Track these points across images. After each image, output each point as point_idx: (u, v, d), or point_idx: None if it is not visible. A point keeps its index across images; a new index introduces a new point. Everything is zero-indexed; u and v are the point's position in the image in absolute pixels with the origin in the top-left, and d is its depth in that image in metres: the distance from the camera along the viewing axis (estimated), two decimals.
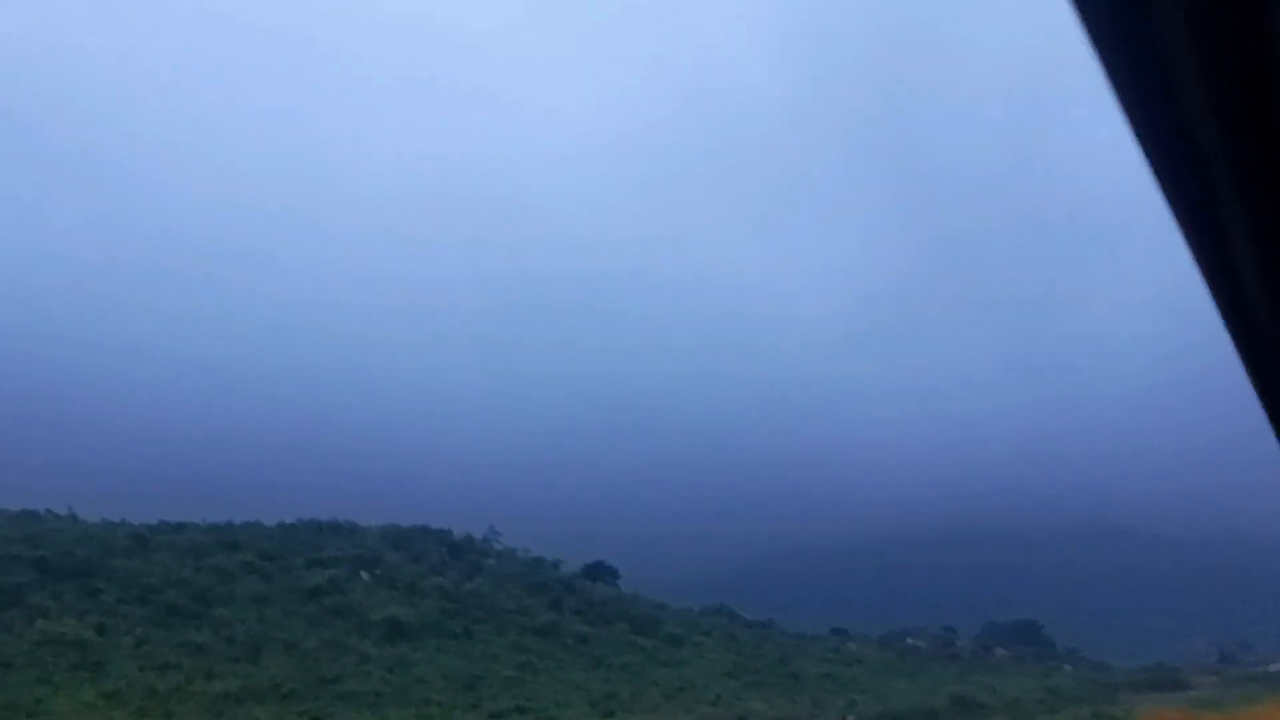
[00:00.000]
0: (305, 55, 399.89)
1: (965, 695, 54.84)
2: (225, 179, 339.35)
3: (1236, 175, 1.28)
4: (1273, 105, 1.17)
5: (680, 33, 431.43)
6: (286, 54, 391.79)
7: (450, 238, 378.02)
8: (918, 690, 64.51)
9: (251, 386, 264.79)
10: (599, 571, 74.53)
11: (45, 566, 51.64)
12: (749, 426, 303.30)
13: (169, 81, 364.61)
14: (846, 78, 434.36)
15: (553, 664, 59.21)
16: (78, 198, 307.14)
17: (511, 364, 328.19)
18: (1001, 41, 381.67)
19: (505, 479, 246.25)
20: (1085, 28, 1.11)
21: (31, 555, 52.17)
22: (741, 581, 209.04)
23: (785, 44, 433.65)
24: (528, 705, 47.94)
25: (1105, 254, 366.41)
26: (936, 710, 51.58)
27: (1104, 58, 1.17)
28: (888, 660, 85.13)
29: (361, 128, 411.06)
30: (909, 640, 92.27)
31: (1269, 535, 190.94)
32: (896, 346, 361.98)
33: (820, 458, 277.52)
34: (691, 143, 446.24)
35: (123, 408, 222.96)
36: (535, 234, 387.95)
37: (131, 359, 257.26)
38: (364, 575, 63.19)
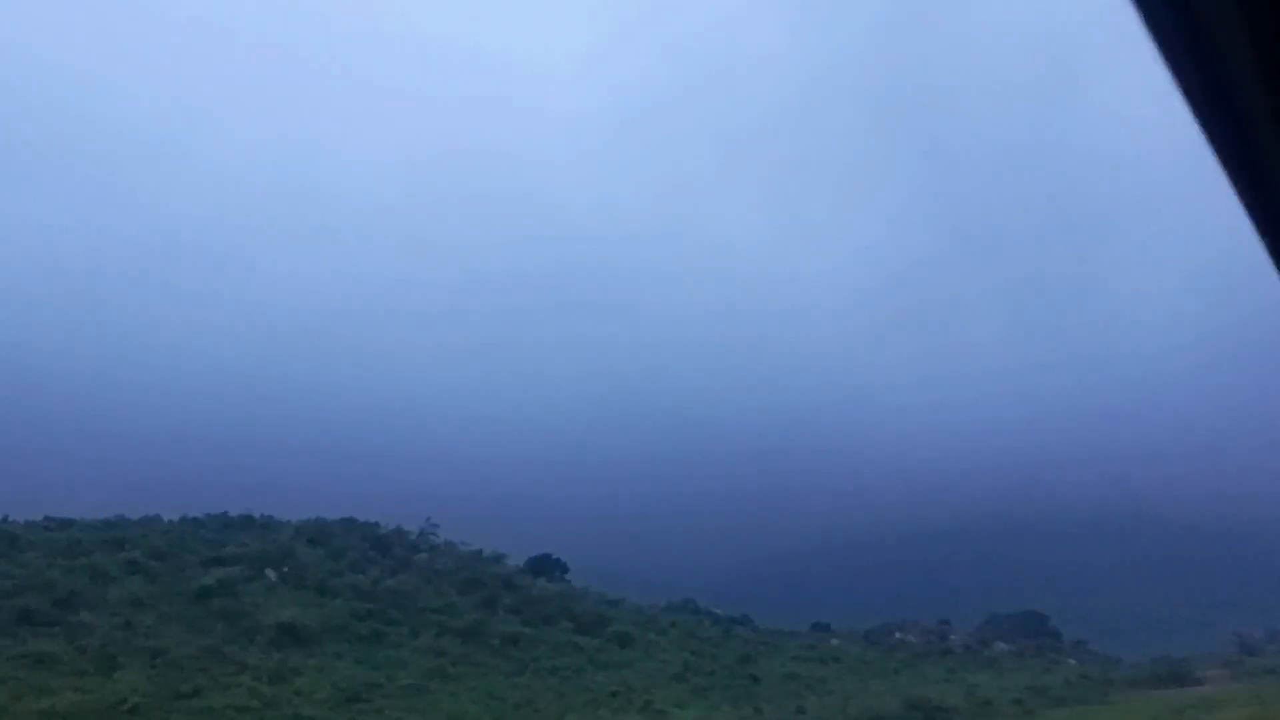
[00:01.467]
0: (304, 59, 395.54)
1: (925, 698, 48.08)
2: (220, 183, 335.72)
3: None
4: None
5: (690, 3, 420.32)
6: (286, 59, 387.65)
7: (457, 239, 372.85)
8: (885, 690, 57.77)
9: (245, 390, 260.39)
10: (545, 565, 68.29)
11: None
12: (766, 421, 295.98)
13: (158, 81, 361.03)
14: (866, 46, 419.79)
15: (471, 669, 52.97)
16: (59, 199, 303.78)
17: (520, 365, 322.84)
18: (1029, 4, 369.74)
19: (513, 482, 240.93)
20: None
21: None
22: (758, 578, 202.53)
23: (802, 8, 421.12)
24: (410, 719, 41.59)
25: (1136, 229, 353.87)
26: (885, 717, 44.82)
27: (1148, 19, 1.18)
28: (871, 657, 78.40)
29: (362, 130, 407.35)
30: (898, 635, 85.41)
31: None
32: (919, 334, 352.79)
33: (840, 451, 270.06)
34: (704, 124, 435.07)
35: (109, 408, 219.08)
36: (542, 230, 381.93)
37: (117, 361, 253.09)
38: (270, 574, 57.26)
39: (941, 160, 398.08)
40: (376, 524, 67.04)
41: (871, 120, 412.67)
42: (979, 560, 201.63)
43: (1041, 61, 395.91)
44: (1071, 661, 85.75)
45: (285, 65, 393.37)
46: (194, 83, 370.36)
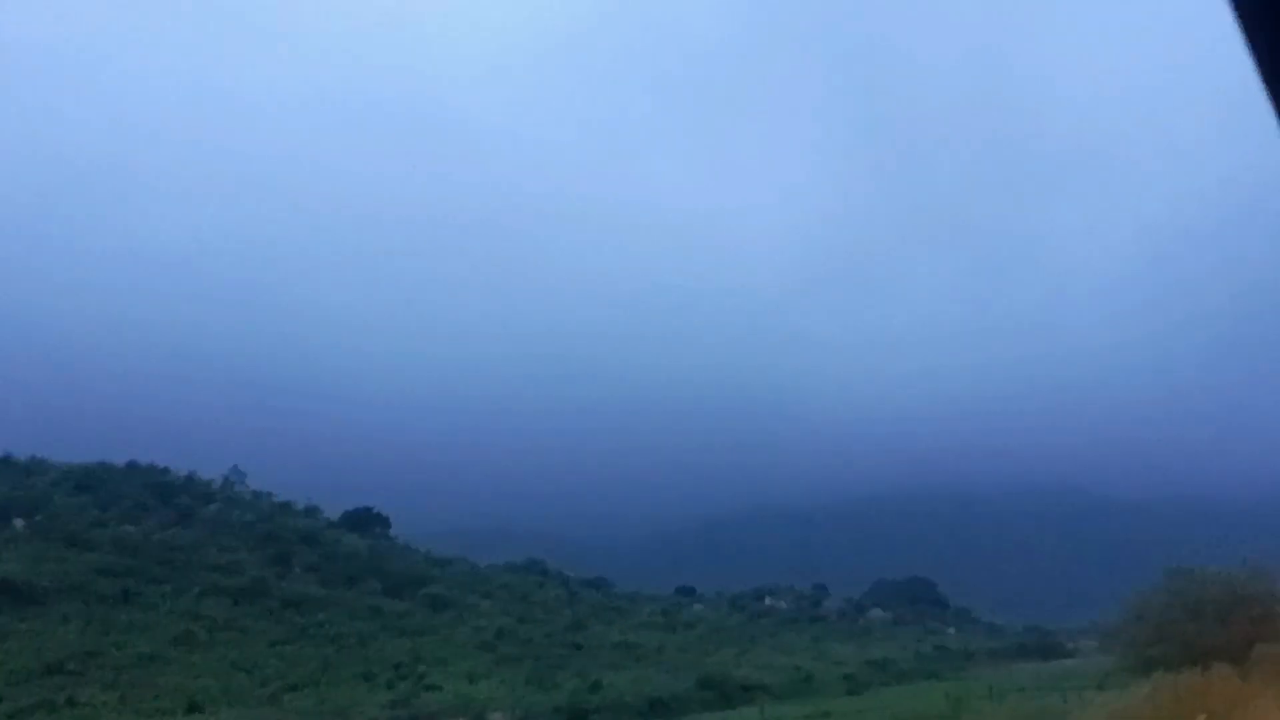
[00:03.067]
0: None
1: (726, 675, 42.34)
2: (110, 120, 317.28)
3: None
4: None
5: None
6: None
7: (365, 177, 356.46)
8: (714, 663, 52.26)
9: (133, 339, 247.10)
10: (362, 520, 61.49)
11: None
12: (700, 378, 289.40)
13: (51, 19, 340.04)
14: None
15: (233, 635, 46.28)
16: None
17: (439, 310, 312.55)
18: None
19: (427, 438, 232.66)
20: None
21: None
22: (678, 544, 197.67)
23: None
24: (80, 700, 34.76)
25: (1085, 178, 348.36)
26: (675, 696, 39.00)
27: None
28: (730, 624, 73.18)
29: (267, 48, 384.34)
30: (768, 600, 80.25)
31: (1226, 496, 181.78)
32: (853, 288, 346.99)
33: (774, 413, 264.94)
34: (630, 54, 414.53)
35: None
36: (456, 167, 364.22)
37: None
38: (18, 523, 49.88)
39: (878, 98, 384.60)
40: (166, 469, 59.71)
41: (805, 55, 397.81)
42: (905, 530, 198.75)
43: None
44: (950, 630, 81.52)
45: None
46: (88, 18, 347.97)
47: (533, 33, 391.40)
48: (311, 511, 61.58)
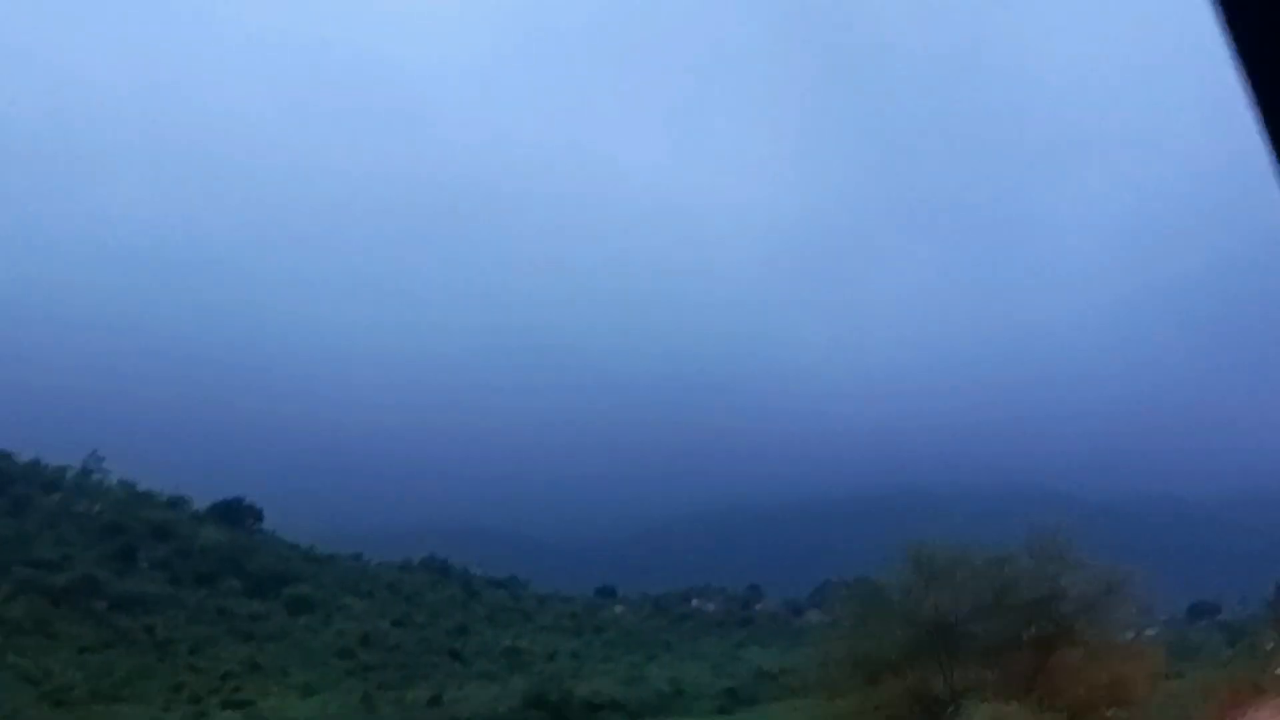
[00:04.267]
0: None
1: (573, 695, 36.88)
2: (67, 90, 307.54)
3: None
4: None
5: None
6: None
7: (330, 161, 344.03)
8: (606, 670, 46.91)
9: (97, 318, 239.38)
10: (232, 512, 55.90)
11: None
12: (674, 372, 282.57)
13: None
14: None
15: (38, 642, 40.74)
16: None
17: (403, 298, 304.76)
18: None
19: (395, 432, 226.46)
20: None
21: None
22: (651, 543, 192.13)
23: None
24: None
25: (1068, 168, 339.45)
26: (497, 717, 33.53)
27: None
28: (647, 628, 67.89)
29: (225, 28, 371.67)
30: (694, 603, 74.86)
31: (1197, 496, 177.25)
32: (831, 281, 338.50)
33: (750, 411, 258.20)
34: (599, 22, 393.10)
35: None
36: (420, 140, 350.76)
37: None
38: None
39: (855, 69, 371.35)
40: (9, 454, 53.91)
41: (785, 37, 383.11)
42: (875, 530, 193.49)
43: None
44: None
45: None
46: None
47: (499, 7, 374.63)
48: (177, 503, 56.03)
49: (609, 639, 60.62)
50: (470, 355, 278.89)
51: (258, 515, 57.93)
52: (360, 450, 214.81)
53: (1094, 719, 19.05)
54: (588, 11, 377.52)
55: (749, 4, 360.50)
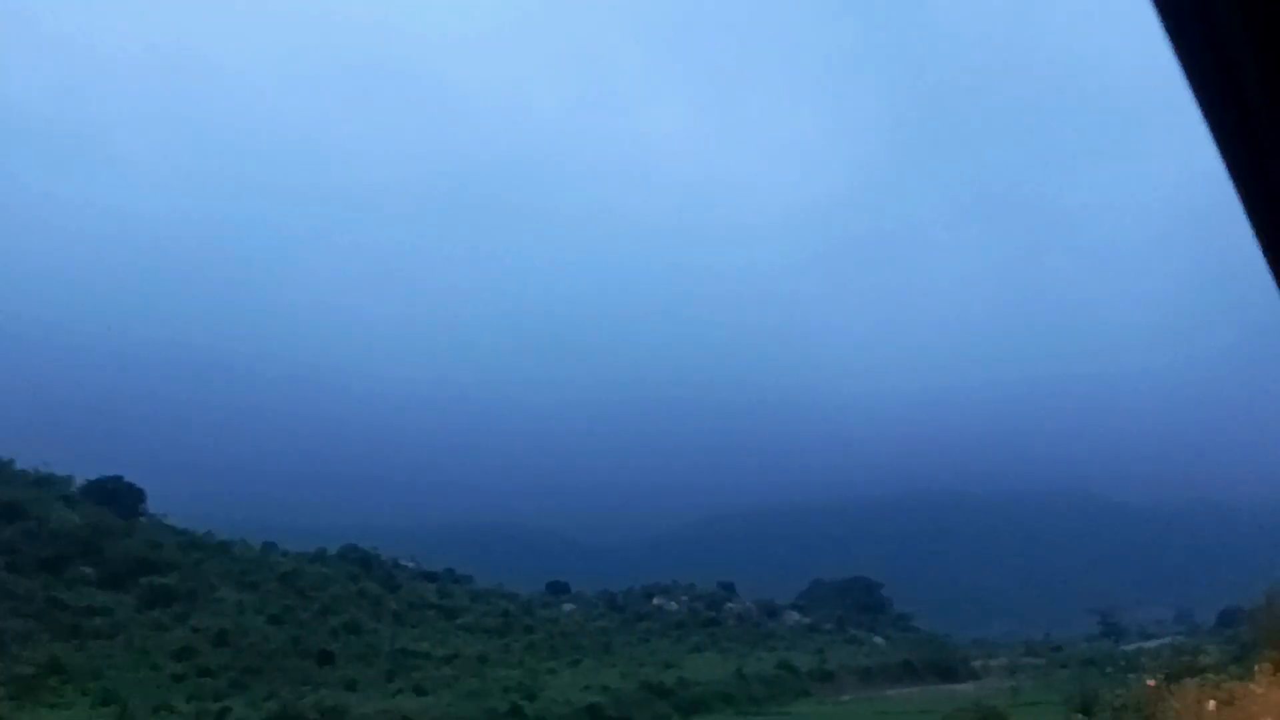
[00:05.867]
0: None
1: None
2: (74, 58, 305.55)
3: (1270, 85, 1.18)
4: None
5: None
6: None
7: (344, 138, 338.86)
8: (505, 680, 40.13)
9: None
10: (106, 493, 49.95)
11: None
12: (701, 363, 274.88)
13: None
14: None
15: None
16: None
17: (430, 292, 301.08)
18: None
19: (419, 427, 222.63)
20: None
21: None
22: (689, 540, 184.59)
23: None
24: None
25: (1117, 153, 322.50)
26: None
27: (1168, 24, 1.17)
28: (595, 629, 61.01)
29: (238, 8, 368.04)
30: (655, 601, 67.72)
31: (1241, 501, 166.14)
32: (870, 267, 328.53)
33: (785, 405, 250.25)
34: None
35: None
36: (438, 117, 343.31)
37: None
38: None
39: (900, 52, 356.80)
40: None
41: (820, 8, 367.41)
42: (917, 533, 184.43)
43: None
44: (877, 639, 68.52)
45: None
46: None
47: None
48: (45, 481, 50.08)
49: (532, 641, 53.73)
50: (500, 349, 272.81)
51: (139, 496, 51.84)
52: (391, 446, 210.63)
53: None
54: None
55: None
